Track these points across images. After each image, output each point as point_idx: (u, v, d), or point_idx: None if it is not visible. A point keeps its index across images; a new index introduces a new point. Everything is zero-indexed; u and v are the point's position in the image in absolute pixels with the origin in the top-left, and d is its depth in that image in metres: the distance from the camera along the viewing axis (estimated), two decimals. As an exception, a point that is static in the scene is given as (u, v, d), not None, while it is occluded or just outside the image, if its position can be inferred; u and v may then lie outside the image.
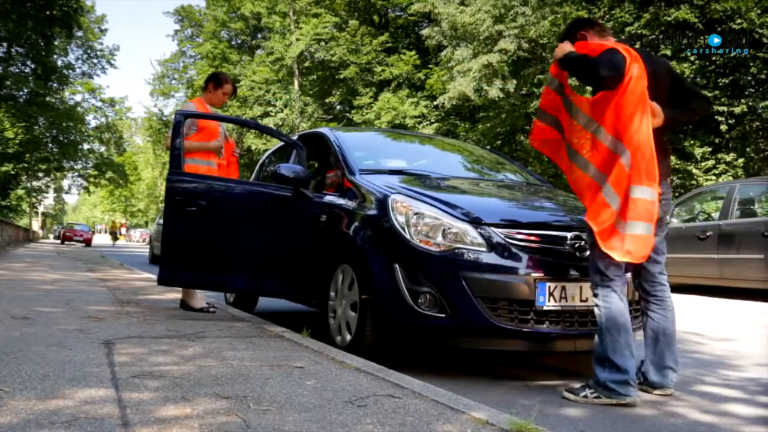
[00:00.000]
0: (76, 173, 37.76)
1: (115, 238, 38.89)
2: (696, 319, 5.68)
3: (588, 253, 2.81)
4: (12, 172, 31.29)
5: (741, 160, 13.91)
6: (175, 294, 5.63)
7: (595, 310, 2.64)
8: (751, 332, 5.08)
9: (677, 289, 8.85)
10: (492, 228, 2.96)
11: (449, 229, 2.95)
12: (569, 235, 2.99)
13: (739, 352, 3.99)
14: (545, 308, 2.84)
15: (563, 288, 2.86)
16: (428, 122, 23.50)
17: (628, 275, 3.00)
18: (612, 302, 2.57)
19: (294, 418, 1.84)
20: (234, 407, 1.93)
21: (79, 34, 31.37)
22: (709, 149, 14.20)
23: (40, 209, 55.27)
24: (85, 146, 36.04)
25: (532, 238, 2.96)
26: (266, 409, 1.92)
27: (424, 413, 1.94)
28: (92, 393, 2.03)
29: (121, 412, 1.83)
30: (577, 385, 2.67)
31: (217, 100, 4.49)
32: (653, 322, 2.77)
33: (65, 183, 44.32)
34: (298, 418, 1.85)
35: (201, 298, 4.46)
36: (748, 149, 14.67)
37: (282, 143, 5.11)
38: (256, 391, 2.13)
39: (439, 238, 2.94)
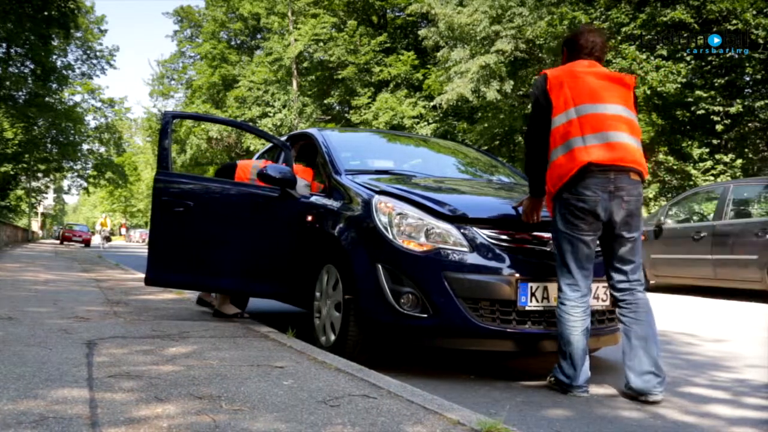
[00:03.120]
0: (76, 174, 37.75)
1: (107, 239, 30.79)
2: (690, 320, 5.66)
3: None
4: (11, 173, 31.29)
5: (739, 161, 13.89)
6: (167, 294, 5.63)
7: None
8: (745, 333, 5.06)
9: (672, 289, 8.88)
10: (475, 228, 2.96)
11: (432, 229, 2.95)
12: (553, 235, 2.98)
13: (731, 353, 3.97)
14: (527, 308, 2.84)
15: (545, 288, 2.86)
16: (426, 123, 23.49)
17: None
18: (562, 315, 2.68)
19: (265, 418, 1.83)
20: (206, 407, 1.92)
21: (79, 34, 31.40)
22: (707, 150, 14.17)
23: (40, 210, 55.27)
24: (85, 147, 36.08)
25: (516, 238, 2.96)
26: (238, 409, 1.92)
27: (396, 413, 1.94)
28: (65, 393, 2.02)
29: (91, 412, 1.82)
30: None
31: None
32: (626, 327, 2.71)
33: (65, 183, 44.35)
34: (269, 417, 1.84)
35: (230, 304, 4.37)
36: (746, 150, 14.65)
37: (272, 144, 5.10)
38: (231, 391, 2.13)
39: (422, 239, 2.94)
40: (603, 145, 2.53)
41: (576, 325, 2.65)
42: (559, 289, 2.70)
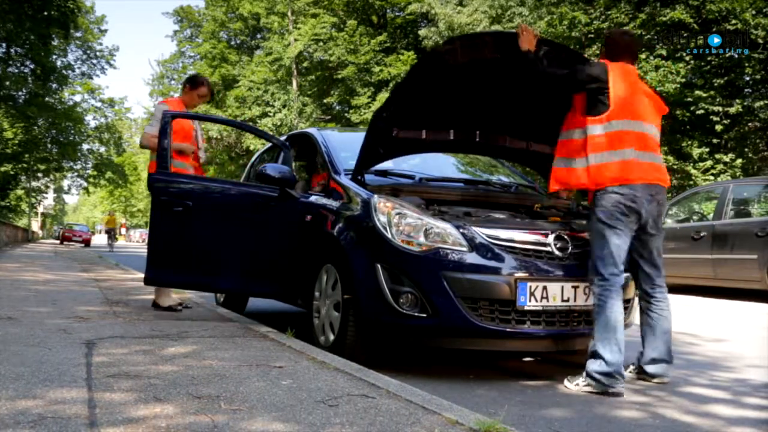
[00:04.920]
0: (76, 174, 37.72)
1: (113, 237, 27.29)
2: (689, 320, 5.65)
3: (568, 252, 2.91)
4: (11, 173, 31.26)
5: (739, 161, 13.89)
6: (166, 294, 5.62)
7: (593, 307, 2.81)
8: (745, 333, 5.06)
9: (671, 289, 8.86)
10: (474, 228, 2.96)
11: (431, 229, 2.95)
12: (551, 235, 2.99)
13: (731, 353, 3.97)
14: (526, 308, 2.84)
15: (545, 288, 2.86)
16: (426, 122, 23.42)
17: (627, 274, 3.09)
18: (607, 302, 2.75)
19: (263, 418, 1.83)
20: (205, 407, 1.92)
21: (78, 34, 31.38)
22: (707, 150, 14.17)
23: (40, 209, 55.25)
24: (85, 146, 36.03)
25: (515, 238, 2.96)
26: (237, 408, 1.92)
27: (395, 413, 1.94)
28: (64, 393, 2.02)
29: (90, 412, 1.82)
30: (575, 375, 2.84)
31: (191, 101, 4.61)
32: (651, 320, 2.94)
33: (65, 183, 44.31)
34: (268, 417, 1.84)
35: (168, 296, 4.50)
36: (746, 150, 14.65)
37: (271, 144, 5.10)
38: (230, 391, 2.13)
39: (421, 238, 2.94)
40: (649, 165, 2.84)
41: (619, 305, 2.76)
42: (600, 276, 2.78)
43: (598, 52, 14.91)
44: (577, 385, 2.78)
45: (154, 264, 3.89)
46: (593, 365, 2.73)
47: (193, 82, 4.62)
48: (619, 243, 2.78)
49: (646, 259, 2.95)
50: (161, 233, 3.92)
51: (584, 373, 2.77)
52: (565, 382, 2.84)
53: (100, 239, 52.36)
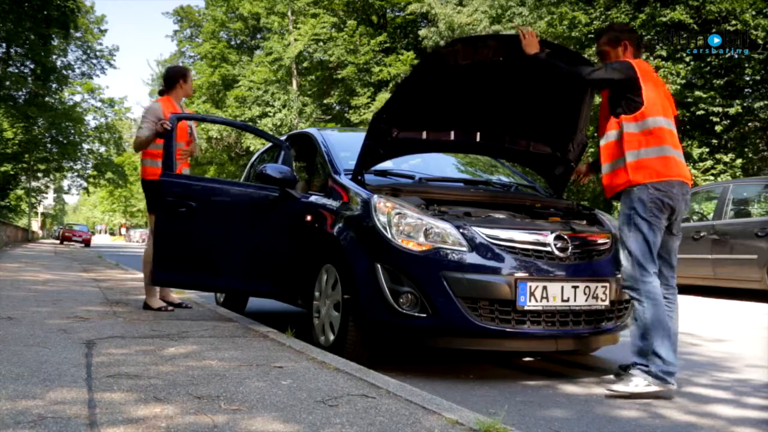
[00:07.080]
0: (76, 174, 37.69)
1: None
2: (690, 320, 5.65)
3: (568, 252, 2.91)
4: (11, 173, 31.24)
5: (739, 161, 13.89)
6: (165, 294, 5.61)
7: (636, 305, 2.77)
8: (745, 333, 5.06)
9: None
10: (474, 228, 2.96)
11: (431, 229, 2.95)
12: (551, 235, 2.99)
13: (732, 353, 3.96)
14: (526, 308, 2.84)
15: (545, 288, 2.86)
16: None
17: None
18: (657, 297, 2.74)
19: (263, 418, 1.83)
20: (205, 407, 1.92)
21: (78, 34, 31.37)
22: (707, 150, 14.17)
23: (40, 210, 55.23)
24: (85, 146, 36.00)
25: (515, 238, 2.96)
26: (237, 408, 1.92)
27: (395, 413, 1.94)
28: (64, 393, 2.02)
29: (90, 412, 1.82)
30: (612, 378, 2.82)
31: (187, 91, 4.68)
32: None
33: (65, 183, 44.28)
34: (268, 417, 1.84)
35: (157, 298, 4.52)
36: (746, 150, 14.64)
37: (271, 144, 5.10)
38: (230, 391, 2.13)
39: (421, 238, 2.94)
40: (682, 163, 2.88)
41: (663, 304, 2.76)
42: (645, 272, 2.74)
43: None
44: (637, 386, 2.65)
45: (160, 264, 3.89)
46: (653, 366, 2.66)
47: (184, 75, 4.66)
48: (654, 239, 2.78)
49: (665, 260, 2.93)
50: (166, 234, 3.91)
51: (637, 371, 2.68)
52: (615, 386, 2.70)
53: (101, 239, 52.26)
